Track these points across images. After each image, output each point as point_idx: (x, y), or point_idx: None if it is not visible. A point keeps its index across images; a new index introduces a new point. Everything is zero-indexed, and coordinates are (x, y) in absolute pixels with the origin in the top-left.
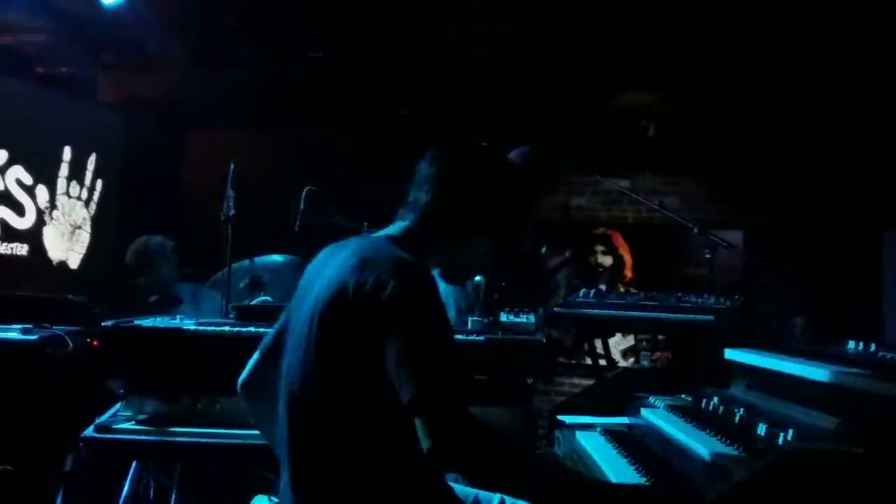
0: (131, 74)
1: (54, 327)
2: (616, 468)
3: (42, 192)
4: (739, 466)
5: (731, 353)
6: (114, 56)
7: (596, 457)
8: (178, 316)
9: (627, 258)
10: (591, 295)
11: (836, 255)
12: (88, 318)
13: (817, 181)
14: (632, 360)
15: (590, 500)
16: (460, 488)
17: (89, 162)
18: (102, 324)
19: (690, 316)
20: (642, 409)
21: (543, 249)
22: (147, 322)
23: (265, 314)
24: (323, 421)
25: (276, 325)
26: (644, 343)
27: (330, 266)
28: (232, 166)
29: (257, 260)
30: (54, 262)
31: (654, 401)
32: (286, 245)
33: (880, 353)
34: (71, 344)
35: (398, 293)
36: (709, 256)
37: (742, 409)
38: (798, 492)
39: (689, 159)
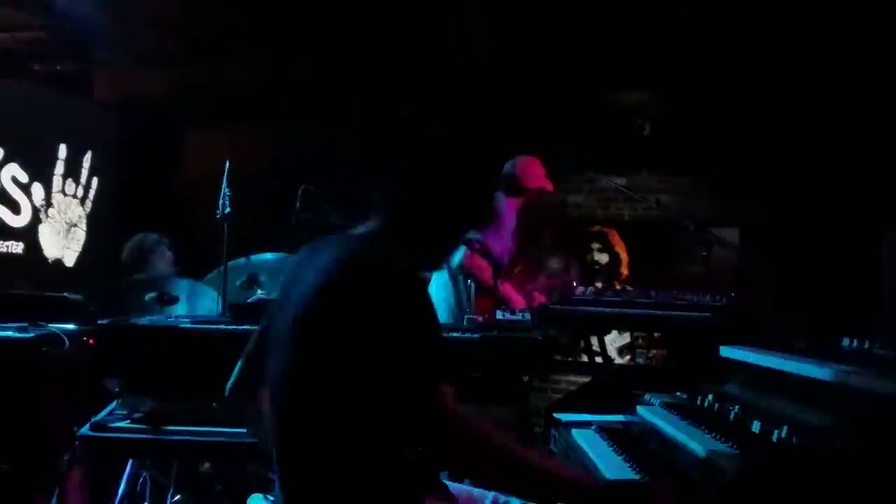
0: (127, 72)
1: (50, 325)
2: (612, 465)
3: (38, 189)
4: (734, 463)
5: (726, 351)
6: (110, 54)
7: (592, 454)
8: (173, 314)
9: (624, 256)
10: (588, 293)
11: (832, 253)
12: (84, 317)
13: (813, 179)
14: (628, 357)
15: (582, 497)
16: (453, 485)
17: (85, 160)
18: (98, 322)
19: (686, 313)
20: (638, 407)
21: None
22: (143, 320)
23: (261, 312)
24: (309, 423)
25: (258, 330)
26: (640, 340)
27: (310, 267)
28: (228, 164)
29: (253, 258)
30: (50, 260)
31: (650, 398)
32: (282, 243)
33: (875, 351)
34: (67, 342)
35: (381, 294)
36: (705, 254)
37: (737, 407)
38: (793, 489)
39: (685, 157)
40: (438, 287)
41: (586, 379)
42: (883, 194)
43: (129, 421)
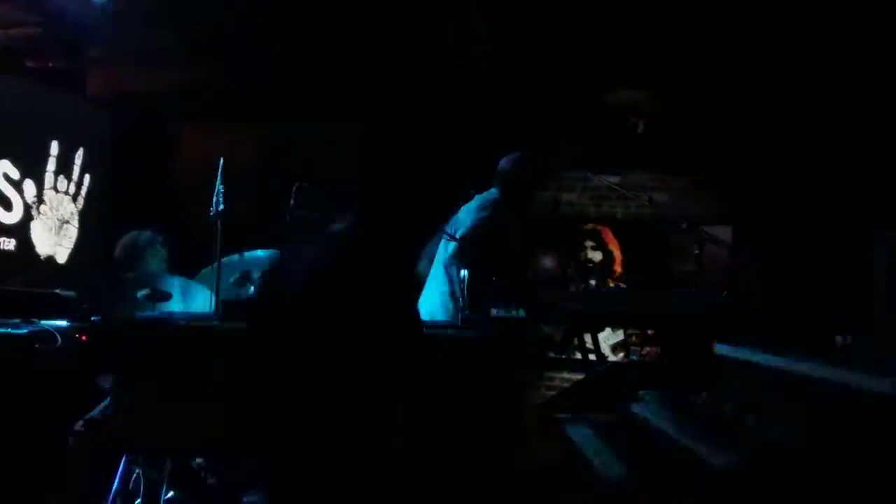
0: (120, 69)
1: (42, 322)
2: (605, 461)
3: (29, 186)
4: (727, 459)
5: (719, 348)
6: (102, 51)
7: (586, 450)
8: (167, 311)
9: (617, 254)
10: (581, 290)
11: (825, 250)
12: (77, 313)
13: (806, 178)
14: (621, 354)
15: None
16: None
17: (77, 156)
18: (91, 319)
19: (680, 311)
20: (632, 404)
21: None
22: (136, 317)
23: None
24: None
25: (242, 333)
26: (633, 338)
27: (295, 267)
28: (221, 161)
29: (247, 255)
30: (42, 257)
31: (644, 395)
32: (276, 241)
33: (867, 349)
34: (59, 339)
35: (368, 293)
36: (698, 252)
37: (730, 404)
38: (785, 484)
39: (678, 156)
40: (435, 280)
41: (580, 376)
42: (875, 193)
43: (122, 418)
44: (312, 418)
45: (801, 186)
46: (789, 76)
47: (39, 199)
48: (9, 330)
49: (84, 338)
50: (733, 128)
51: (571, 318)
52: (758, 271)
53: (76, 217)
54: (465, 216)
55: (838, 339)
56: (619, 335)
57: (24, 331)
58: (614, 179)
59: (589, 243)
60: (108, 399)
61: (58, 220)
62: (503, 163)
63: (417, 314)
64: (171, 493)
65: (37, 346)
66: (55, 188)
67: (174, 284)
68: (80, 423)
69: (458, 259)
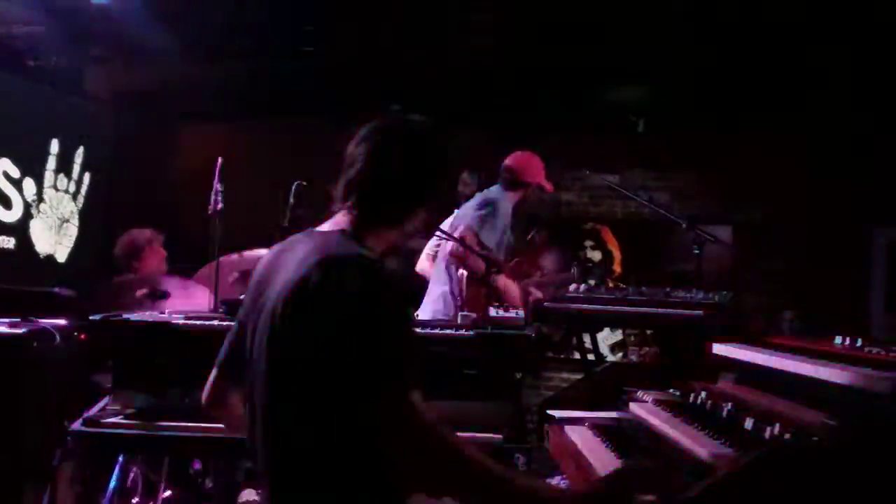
0: (120, 68)
1: (41, 321)
2: (604, 462)
3: (29, 184)
4: (726, 461)
5: (718, 348)
6: (102, 49)
7: (584, 450)
8: (166, 310)
9: (616, 253)
10: (580, 290)
11: (824, 250)
12: (76, 312)
13: (806, 178)
14: (620, 354)
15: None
16: None
17: (77, 155)
18: (90, 317)
19: (679, 311)
20: (630, 404)
21: (531, 235)
22: (135, 316)
23: None
24: (292, 423)
25: (230, 336)
26: (632, 338)
27: (285, 268)
28: (220, 160)
29: (246, 254)
30: (41, 256)
31: (642, 395)
32: (275, 240)
33: (867, 349)
34: (58, 338)
35: (360, 294)
36: (697, 252)
37: (730, 404)
38: (784, 486)
39: (678, 155)
40: (436, 279)
41: (579, 376)
42: (875, 193)
43: (121, 416)
44: (313, 413)
45: (801, 186)
46: (789, 76)
47: (39, 198)
48: (8, 328)
49: (83, 336)
50: (733, 127)
51: (570, 317)
52: (757, 271)
53: (76, 216)
54: (465, 215)
55: (838, 338)
56: (618, 335)
57: (23, 329)
58: (613, 178)
59: (588, 243)
60: (107, 398)
61: (58, 218)
62: (507, 160)
63: (408, 315)
64: (168, 492)
65: (36, 344)
66: (55, 187)
67: (173, 283)
68: (79, 421)
69: (458, 257)
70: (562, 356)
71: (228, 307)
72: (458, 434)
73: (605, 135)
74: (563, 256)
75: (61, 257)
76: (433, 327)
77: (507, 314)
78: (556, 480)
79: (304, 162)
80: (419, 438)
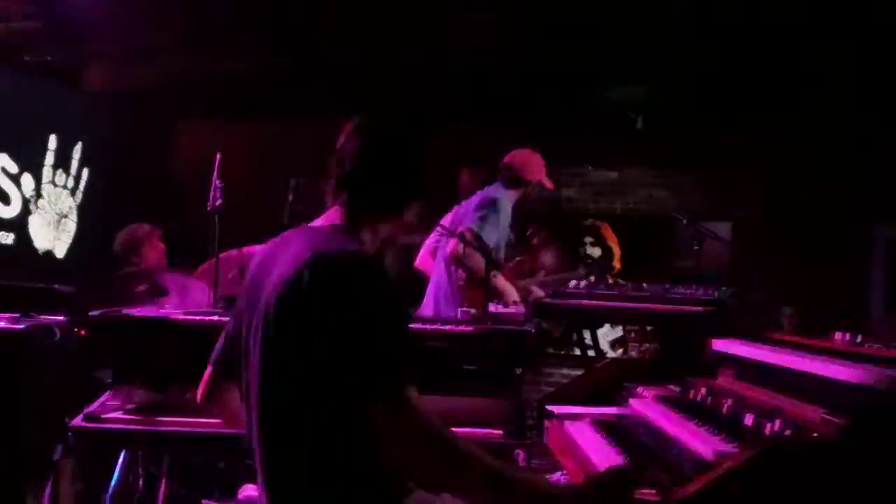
0: (119, 63)
1: (41, 317)
2: (604, 458)
3: (28, 180)
4: (727, 457)
5: (718, 344)
6: (101, 45)
7: (585, 446)
8: (165, 306)
9: (616, 249)
10: (581, 286)
11: (825, 247)
12: (75, 308)
13: (806, 175)
14: (620, 350)
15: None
16: None
17: (75, 150)
18: (90, 313)
19: (679, 307)
20: (631, 400)
21: (531, 232)
22: (135, 312)
23: None
24: (288, 420)
25: (225, 333)
26: (632, 334)
27: (278, 264)
28: (219, 157)
29: (246, 250)
30: (40, 252)
31: (643, 391)
32: (275, 236)
33: (867, 345)
34: (58, 333)
35: (355, 290)
36: (697, 248)
37: (730, 400)
38: (785, 482)
39: (678, 151)
40: (436, 276)
41: (579, 372)
42: (875, 191)
43: (121, 412)
44: (309, 412)
45: (800, 183)
46: (789, 76)
47: (38, 194)
48: (7, 324)
49: (83, 332)
50: (733, 124)
51: (571, 313)
52: (757, 267)
53: (74, 211)
54: (466, 213)
55: (838, 334)
56: (619, 331)
57: (23, 325)
58: (613, 175)
59: (588, 239)
60: (107, 393)
61: (56, 214)
62: (507, 157)
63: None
64: (170, 489)
65: (35, 340)
66: (53, 182)
67: (172, 280)
68: (80, 417)
69: (458, 255)
70: (562, 352)
71: (228, 303)
72: (458, 430)
73: (605, 133)
74: (562, 253)
75: (60, 253)
76: (433, 323)
77: (506, 310)
78: (556, 476)
79: (304, 159)
80: (417, 435)
